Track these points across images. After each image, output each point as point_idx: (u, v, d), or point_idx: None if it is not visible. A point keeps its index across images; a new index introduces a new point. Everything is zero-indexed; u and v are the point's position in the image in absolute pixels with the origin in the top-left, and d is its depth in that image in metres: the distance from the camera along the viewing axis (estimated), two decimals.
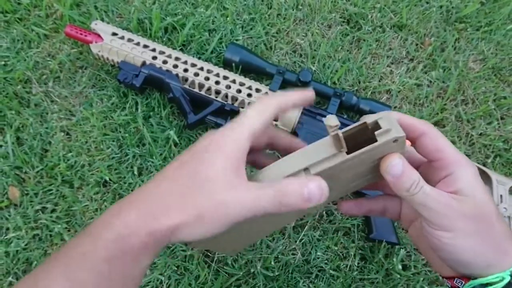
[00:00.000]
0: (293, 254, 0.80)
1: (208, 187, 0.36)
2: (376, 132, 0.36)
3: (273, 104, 0.40)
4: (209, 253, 0.78)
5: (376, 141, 0.36)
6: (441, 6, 1.02)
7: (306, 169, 0.38)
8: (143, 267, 0.36)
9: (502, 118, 0.94)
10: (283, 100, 0.41)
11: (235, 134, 0.38)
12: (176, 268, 0.77)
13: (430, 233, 0.39)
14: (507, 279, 0.37)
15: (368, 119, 0.37)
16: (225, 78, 0.84)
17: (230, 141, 0.37)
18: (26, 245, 0.76)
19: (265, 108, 0.40)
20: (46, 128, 0.83)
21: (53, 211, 0.79)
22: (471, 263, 0.39)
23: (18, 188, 0.79)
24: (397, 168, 0.37)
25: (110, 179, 0.81)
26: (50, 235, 0.77)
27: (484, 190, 0.39)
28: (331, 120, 0.34)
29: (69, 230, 0.78)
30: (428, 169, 0.41)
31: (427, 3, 1.02)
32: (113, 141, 0.83)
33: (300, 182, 0.36)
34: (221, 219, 0.35)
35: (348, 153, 0.37)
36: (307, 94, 0.42)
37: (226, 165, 0.36)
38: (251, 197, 0.35)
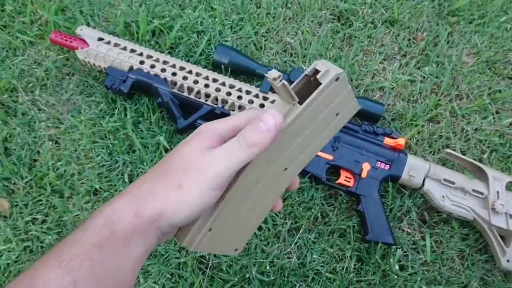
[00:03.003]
0: (288, 257, 0.79)
1: (186, 165, 0.38)
2: (317, 76, 0.39)
3: (259, 112, 0.41)
4: (203, 259, 0.77)
5: (321, 84, 0.39)
6: (433, 0, 1.00)
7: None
8: (135, 254, 0.36)
9: (497, 113, 0.93)
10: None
11: (216, 122, 0.42)
12: (170, 276, 0.76)
13: None
14: None
15: (307, 70, 0.40)
16: (215, 80, 0.82)
17: (209, 126, 0.41)
18: (17, 257, 0.75)
19: (251, 112, 0.42)
20: (34, 137, 0.82)
21: (43, 222, 0.78)
22: None
23: (7, 199, 0.78)
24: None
25: (100, 188, 0.80)
26: (41, 247, 0.76)
27: None
28: (273, 73, 0.36)
29: (60, 241, 0.77)
30: None
31: None
32: (103, 148, 0.82)
33: (254, 120, 0.39)
34: (201, 184, 0.37)
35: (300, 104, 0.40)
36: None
37: (202, 144, 0.39)
38: (220, 152, 0.38)
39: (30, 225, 0.77)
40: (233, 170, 0.38)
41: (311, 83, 0.40)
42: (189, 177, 0.37)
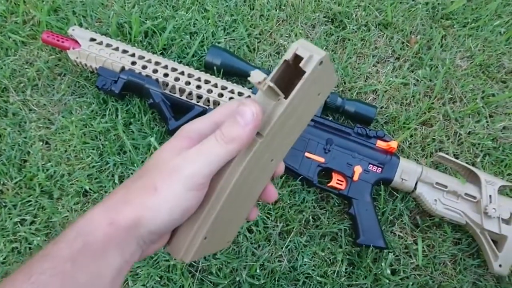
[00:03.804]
0: (279, 261, 0.79)
1: (161, 165, 0.36)
2: (300, 64, 0.35)
3: (239, 102, 0.39)
4: (193, 262, 0.77)
5: (304, 72, 0.36)
6: (427, 3, 1.00)
7: (258, 134, 0.38)
8: (113, 265, 0.34)
9: (490, 116, 0.93)
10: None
11: (196, 121, 0.40)
12: (159, 279, 0.75)
13: None
14: None
15: (286, 55, 0.36)
16: (207, 82, 0.82)
17: (189, 126, 0.39)
18: (4, 258, 0.75)
19: (230, 103, 0.40)
20: (25, 137, 0.81)
21: (32, 223, 0.77)
22: None
23: None
24: None
25: (90, 189, 0.79)
26: (30, 248, 0.76)
27: None
28: (256, 76, 0.34)
29: (48, 242, 0.76)
30: None
31: (413, 0, 1.00)
32: (93, 149, 0.81)
33: (231, 115, 0.36)
34: (176, 185, 0.35)
35: (285, 97, 0.37)
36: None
37: (180, 143, 0.37)
38: (196, 151, 0.36)
39: (18, 226, 0.76)
40: (209, 169, 0.36)
41: (291, 68, 0.37)
42: (164, 179, 0.35)
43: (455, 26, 0.99)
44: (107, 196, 0.37)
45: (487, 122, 0.92)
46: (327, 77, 0.40)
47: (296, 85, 0.36)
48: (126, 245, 0.34)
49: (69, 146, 0.81)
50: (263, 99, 0.38)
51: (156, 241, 0.38)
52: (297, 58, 0.36)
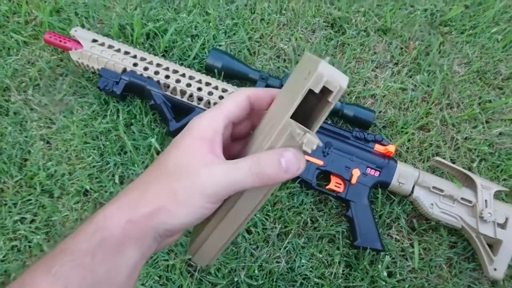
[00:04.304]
0: (277, 262, 0.79)
1: (183, 169, 0.36)
2: (329, 99, 0.34)
3: (246, 91, 0.40)
4: (191, 262, 0.77)
5: (328, 102, 0.34)
6: (425, 10, 1.01)
7: None
8: (129, 261, 0.34)
9: (487, 122, 0.94)
10: (255, 90, 0.41)
11: (207, 116, 0.38)
12: (158, 278, 0.75)
13: None
14: None
15: (313, 86, 0.33)
16: (207, 84, 0.83)
17: (202, 122, 0.38)
18: (4, 256, 0.75)
19: (237, 94, 0.40)
20: (26, 136, 0.82)
21: (32, 221, 0.77)
22: None
23: None
24: None
25: (91, 188, 0.79)
26: (29, 246, 0.76)
27: None
28: (311, 144, 0.33)
29: (48, 241, 0.77)
30: None
31: (412, 6, 1.01)
32: (94, 149, 0.82)
33: (277, 152, 0.35)
34: (196, 197, 0.34)
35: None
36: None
37: (199, 146, 0.36)
38: (226, 171, 0.35)
39: (18, 224, 0.77)
40: (233, 192, 0.35)
41: (314, 94, 0.34)
42: (184, 187, 0.35)
43: (453, 33, 1.00)
44: (123, 192, 0.37)
45: (483, 127, 0.93)
46: None
47: (319, 116, 0.36)
48: (143, 242, 0.34)
49: (70, 145, 0.82)
50: (288, 138, 0.35)
51: (170, 237, 0.38)
52: (325, 89, 0.34)
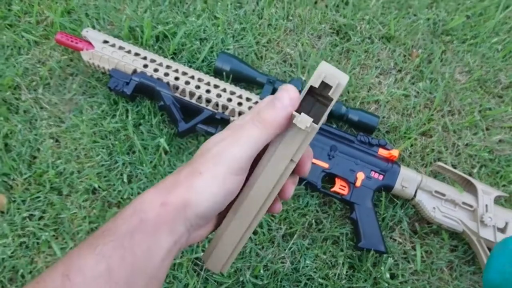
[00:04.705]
0: (282, 262, 0.81)
1: (205, 150, 0.39)
2: (330, 93, 0.37)
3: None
4: (198, 261, 0.78)
5: (330, 99, 0.37)
6: (428, 19, 1.04)
7: (291, 161, 0.40)
8: (164, 244, 0.36)
9: (487, 129, 0.96)
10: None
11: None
12: None
13: None
14: None
15: (314, 82, 0.37)
16: (216, 86, 0.84)
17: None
18: (12, 252, 0.75)
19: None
20: (35, 134, 0.83)
21: (40, 218, 0.78)
22: None
23: (5, 195, 0.78)
24: None
25: (99, 187, 0.80)
26: (37, 243, 0.77)
27: None
28: (304, 122, 0.36)
29: (56, 238, 0.78)
30: None
31: (415, 15, 1.04)
32: (103, 148, 0.83)
33: (269, 97, 0.39)
34: (220, 169, 0.37)
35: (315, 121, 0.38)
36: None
37: (217, 135, 0.39)
38: (236, 136, 0.38)
39: (27, 221, 0.77)
40: (249, 153, 0.37)
41: (314, 90, 0.38)
42: (207, 164, 0.37)
43: (454, 42, 1.03)
44: (162, 180, 0.39)
45: (484, 134, 0.95)
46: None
47: (323, 112, 0.38)
48: (176, 226, 0.36)
49: (79, 144, 0.83)
50: (294, 131, 0.39)
51: (202, 227, 0.40)
52: (323, 84, 0.37)
